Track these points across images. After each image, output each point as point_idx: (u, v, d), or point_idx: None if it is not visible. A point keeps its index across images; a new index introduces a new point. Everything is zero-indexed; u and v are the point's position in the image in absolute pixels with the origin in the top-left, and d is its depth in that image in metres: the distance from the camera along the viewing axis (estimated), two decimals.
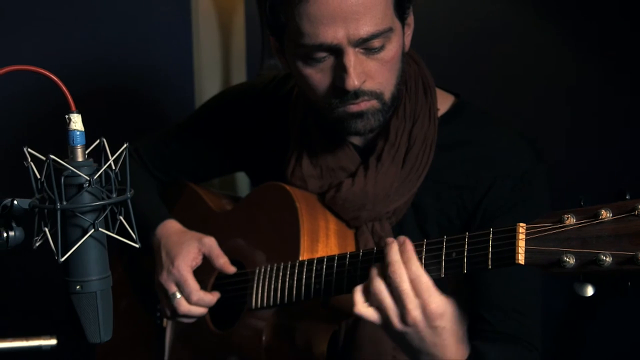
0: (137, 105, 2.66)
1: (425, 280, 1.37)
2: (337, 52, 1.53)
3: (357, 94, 1.56)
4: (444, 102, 1.72)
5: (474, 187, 1.65)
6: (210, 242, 1.77)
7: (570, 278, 1.22)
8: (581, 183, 1.13)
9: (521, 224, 1.26)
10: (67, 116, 0.98)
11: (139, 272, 1.99)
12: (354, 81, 1.53)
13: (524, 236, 1.25)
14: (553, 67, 2.21)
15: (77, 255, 0.99)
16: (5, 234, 1.02)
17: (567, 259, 1.19)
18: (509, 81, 2.28)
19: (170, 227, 1.83)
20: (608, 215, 1.18)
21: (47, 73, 0.98)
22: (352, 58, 1.52)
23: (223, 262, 1.75)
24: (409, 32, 1.64)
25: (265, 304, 1.66)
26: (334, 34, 1.50)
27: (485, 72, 2.28)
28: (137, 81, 2.66)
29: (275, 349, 1.67)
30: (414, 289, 1.37)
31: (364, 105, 1.58)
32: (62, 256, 0.98)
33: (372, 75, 1.56)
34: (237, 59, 2.79)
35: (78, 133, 0.99)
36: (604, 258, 1.17)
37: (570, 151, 2.14)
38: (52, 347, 1.06)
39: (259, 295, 1.67)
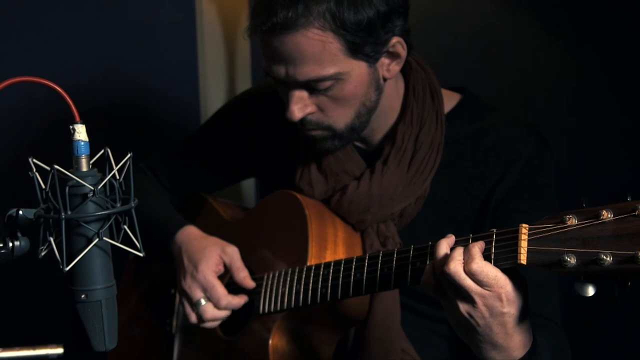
0: (142, 115, 2.67)
1: (491, 269, 1.26)
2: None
3: (303, 123, 1.62)
4: (450, 101, 1.74)
5: (484, 176, 1.66)
6: (233, 253, 1.74)
7: (572, 278, 1.22)
8: (584, 187, 1.13)
9: (524, 225, 1.26)
10: (71, 127, 0.99)
11: (148, 280, 2.00)
12: (292, 113, 1.59)
13: (526, 237, 1.25)
14: (554, 72, 2.21)
15: (82, 265, 1.00)
16: (10, 244, 1.03)
17: (568, 259, 1.20)
18: (511, 86, 2.28)
19: (191, 233, 1.81)
20: (609, 215, 1.18)
21: (52, 84, 0.98)
22: (295, 93, 1.58)
23: (243, 277, 1.72)
24: (392, 63, 1.62)
25: (272, 309, 1.66)
26: (278, 70, 1.57)
27: (486, 77, 2.28)
28: (142, 91, 2.67)
29: (282, 354, 1.68)
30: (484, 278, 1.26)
31: (313, 132, 1.63)
32: (67, 265, 0.98)
33: (322, 108, 1.60)
34: (242, 68, 2.80)
35: (82, 143, 0.99)
36: (605, 258, 1.17)
37: (571, 155, 2.14)
38: (58, 355, 1.06)
39: (267, 300, 1.67)
